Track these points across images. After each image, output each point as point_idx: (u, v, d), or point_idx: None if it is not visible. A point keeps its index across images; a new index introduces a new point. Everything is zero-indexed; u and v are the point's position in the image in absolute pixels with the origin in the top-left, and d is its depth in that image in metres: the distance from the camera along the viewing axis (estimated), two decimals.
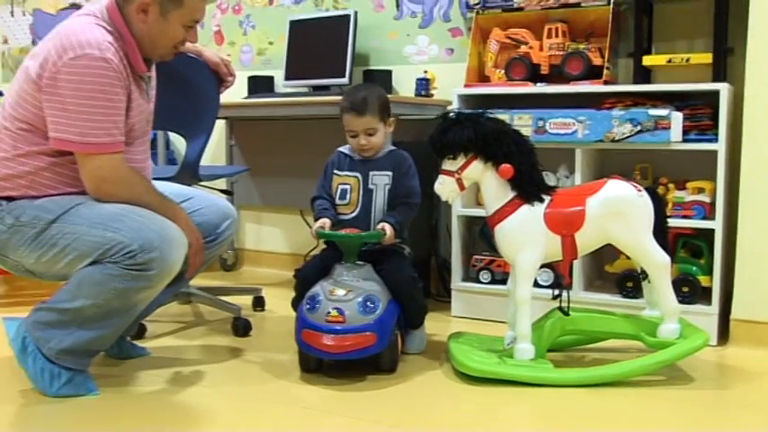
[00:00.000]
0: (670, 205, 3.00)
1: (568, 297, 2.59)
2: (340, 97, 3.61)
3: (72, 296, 2.30)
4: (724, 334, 2.97)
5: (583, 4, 3.28)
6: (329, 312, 2.46)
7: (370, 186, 2.78)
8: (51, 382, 2.34)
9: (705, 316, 2.91)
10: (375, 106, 2.71)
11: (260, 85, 4.23)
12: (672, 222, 2.92)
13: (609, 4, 3.22)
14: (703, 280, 2.97)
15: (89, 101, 2.27)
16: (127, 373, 2.62)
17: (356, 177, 2.80)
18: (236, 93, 4.05)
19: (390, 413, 2.26)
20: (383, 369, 2.57)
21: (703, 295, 2.96)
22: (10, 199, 2.37)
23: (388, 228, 2.64)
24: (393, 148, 2.88)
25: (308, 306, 2.54)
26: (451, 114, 2.61)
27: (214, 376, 2.58)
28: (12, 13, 5.44)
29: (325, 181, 2.86)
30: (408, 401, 2.37)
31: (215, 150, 4.50)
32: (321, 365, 2.57)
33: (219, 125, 4.38)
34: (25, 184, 2.37)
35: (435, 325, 3.19)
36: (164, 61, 2.55)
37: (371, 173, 2.78)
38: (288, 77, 4.15)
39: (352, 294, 2.51)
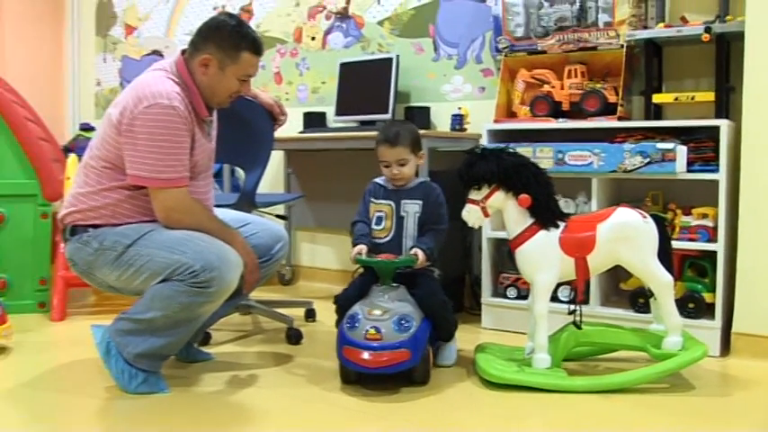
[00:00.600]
0: (677, 229, 3.02)
1: (581, 312, 2.64)
2: None
3: (146, 308, 2.44)
4: (726, 346, 2.98)
5: (599, 48, 3.32)
6: (368, 330, 2.47)
7: (402, 214, 2.78)
8: (130, 381, 2.49)
9: (709, 330, 2.93)
10: (407, 139, 2.73)
11: (314, 120, 4.29)
12: (679, 245, 2.97)
13: (622, 47, 3.26)
14: (708, 297, 2.98)
15: (159, 142, 2.42)
16: (193, 374, 2.72)
17: (390, 205, 2.80)
18: (292, 127, 4.17)
19: (419, 416, 2.32)
20: (416, 381, 2.57)
21: (708, 311, 2.97)
22: (95, 227, 2.54)
23: (420, 253, 2.65)
24: (424, 179, 2.89)
25: (348, 324, 2.55)
26: (477, 150, 2.67)
27: (267, 379, 2.67)
28: (104, 59, 5.62)
29: (363, 207, 2.87)
30: (435, 405, 2.42)
31: (274, 178, 4.60)
32: (360, 378, 2.57)
33: (278, 156, 4.50)
34: (108, 214, 2.53)
35: (467, 336, 3.26)
36: (228, 104, 2.68)
37: (403, 201, 2.78)
38: (338, 113, 4.20)
39: (388, 314, 2.51)
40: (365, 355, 2.45)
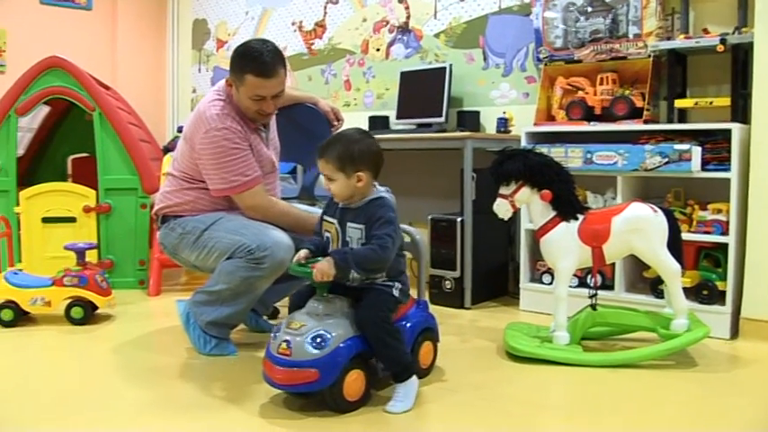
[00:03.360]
0: (694, 223, 3.09)
1: (596, 296, 2.76)
2: (440, 133, 3.88)
3: (215, 282, 2.70)
4: (735, 330, 3.03)
5: (629, 57, 3.40)
6: (280, 344, 2.14)
7: (347, 239, 2.29)
8: (205, 345, 2.77)
9: (720, 315, 2.99)
10: (333, 155, 2.25)
11: (378, 122, 4.40)
12: (695, 237, 3.05)
13: (649, 56, 3.33)
14: (721, 285, 3.03)
15: (224, 159, 2.69)
16: (260, 341, 2.94)
17: (335, 227, 2.32)
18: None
19: (449, 381, 2.47)
20: (329, 407, 2.15)
21: (720, 298, 3.02)
22: (180, 216, 2.83)
23: (323, 264, 2.15)
24: (376, 196, 2.32)
25: (272, 336, 2.23)
26: (506, 150, 2.78)
27: None
28: (199, 69, 5.88)
29: (318, 223, 2.45)
30: (461, 372, 2.56)
31: None
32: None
33: None
34: (189, 207, 2.82)
35: (506, 316, 3.43)
36: (263, 119, 2.83)
37: (348, 224, 2.29)
38: (399, 117, 4.28)
39: (304, 329, 2.14)
40: (274, 369, 2.15)
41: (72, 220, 3.99)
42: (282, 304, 3.33)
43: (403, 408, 2.17)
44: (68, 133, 4.90)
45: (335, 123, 3.28)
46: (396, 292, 2.31)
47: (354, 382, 2.16)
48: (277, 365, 2.13)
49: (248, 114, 2.78)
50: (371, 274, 2.27)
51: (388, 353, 2.19)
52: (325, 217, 2.39)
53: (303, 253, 2.29)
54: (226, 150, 2.69)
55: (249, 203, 2.77)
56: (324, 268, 2.13)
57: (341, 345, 2.13)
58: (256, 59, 2.66)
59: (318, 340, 2.11)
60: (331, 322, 2.16)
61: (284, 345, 2.13)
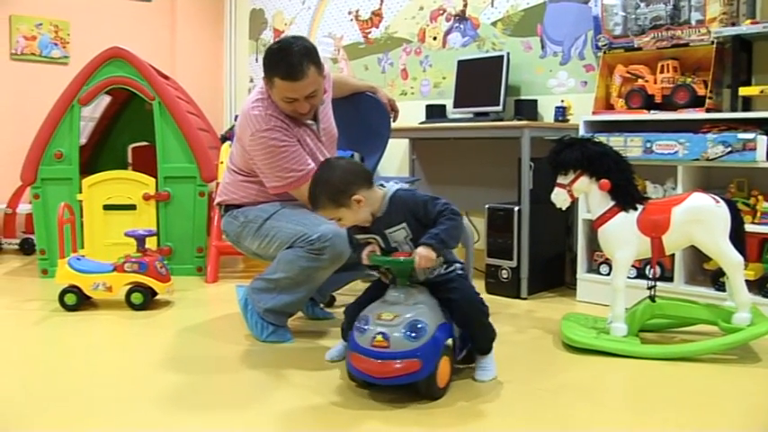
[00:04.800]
0: (758, 214, 3.02)
1: (654, 287, 2.72)
2: (497, 122, 3.86)
3: (274, 270, 2.75)
4: None
5: (691, 44, 3.33)
6: (375, 337, 2.10)
7: (393, 245, 2.27)
8: (262, 331, 2.81)
9: None
10: (324, 199, 2.22)
11: (435, 111, 4.39)
12: (759, 229, 2.98)
13: (713, 43, 3.26)
14: None
15: (275, 159, 2.72)
16: (315, 329, 3.02)
17: (375, 239, 2.29)
18: (416, 117, 4.40)
19: (505, 371, 2.44)
20: (422, 395, 2.16)
21: None
22: (240, 206, 2.88)
23: (422, 251, 2.13)
24: (391, 194, 2.27)
25: (357, 328, 2.19)
26: (564, 139, 2.76)
27: None
28: (256, 59, 5.95)
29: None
30: (518, 362, 2.56)
31: (401, 163, 4.80)
32: (368, 384, 2.22)
33: (404, 144, 4.69)
34: (249, 200, 2.87)
35: (563, 307, 3.40)
36: (302, 118, 2.79)
37: (386, 231, 2.27)
38: (456, 105, 4.28)
39: (398, 319, 2.11)
40: (371, 363, 2.10)
41: (132, 207, 4.10)
42: (339, 293, 3.38)
43: (491, 376, 2.35)
44: (129, 122, 5.04)
45: (390, 114, 3.29)
46: (461, 272, 2.35)
47: (444, 368, 2.18)
48: (374, 359, 2.09)
49: (286, 112, 2.77)
50: (456, 244, 2.26)
51: (483, 331, 2.32)
52: (358, 236, 2.34)
53: (372, 247, 2.28)
54: (275, 150, 2.71)
55: (308, 196, 2.77)
56: (425, 254, 2.12)
57: (436, 332, 2.14)
58: (282, 62, 2.64)
59: (416, 329, 2.09)
60: (421, 310, 2.16)
61: (380, 337, 2.09)
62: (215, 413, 2.11)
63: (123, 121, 5.07)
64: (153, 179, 4.14)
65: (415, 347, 2.07)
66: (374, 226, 2.28)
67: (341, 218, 2.24)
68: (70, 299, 3.34)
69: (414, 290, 2.23)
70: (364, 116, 3.29)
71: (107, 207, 4.08)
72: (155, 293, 3.43)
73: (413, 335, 2.09)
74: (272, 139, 2.70)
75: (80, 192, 4.10)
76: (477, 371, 2.35)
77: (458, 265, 2.37)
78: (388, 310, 2.16)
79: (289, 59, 2.63)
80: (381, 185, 2.32)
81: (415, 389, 2.15)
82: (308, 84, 2.67)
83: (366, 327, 2.15)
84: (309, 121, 2.87)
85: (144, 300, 3.35)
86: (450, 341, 2.23)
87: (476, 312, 2.29)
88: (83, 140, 4.53)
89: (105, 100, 4.80)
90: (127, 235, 3.47)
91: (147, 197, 4.09)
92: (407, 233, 2.25)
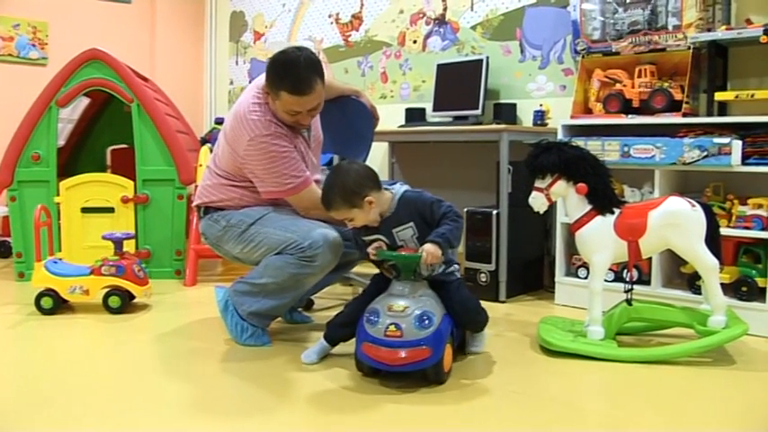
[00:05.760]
0: (734, 218, 3.04)
1: (631, 290, 2.73)
2: (476, 126, 3.86)
3: (260, 275, 2.72)
4: None
5: (668, 49, 3.35)
6: (388, 327, 2.25)
7: (399, 243, 2.46)
8: (241, 334, 2.79)
9: (760, 312, 2.94)
10: (338, 199, 2.40)
11: (414, 114, 4.37)
12: (735, 232, 3.00)
13: (689, 48, 3.28)
14: (760, 281, 2.98)
15: (273, 165, 2.68)
16: (293, 332, 3.00)
17: (381, 239, 2.47)
18: (395, 121, 4.39)
19: (483, 375, 2.47)
20: (430, 380, 2.33)
21: (760, 294, 2.97)
22: (222, 209, 2.85)
23: (429, 248, 2.31)
24: (399, 195, 2.47)
25: (367, 320, 2.33)
26: (542, 143, 2.76)
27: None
28: (236, 61, 5.93)
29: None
30: (495, 366, 2.56)
31: (381, 166, 4.74)
32: (374, 371, 2.37)
33: (383, 146, 4.69)
34: (232, 204, 2.83)
35: (541, 310, 3.41)
36: (300, 128, 2.79)
37: (394, 231, 2.46)
38: (435, 109, 4.27)
39: (408, 310, 2.28)
40: (384, 352, 2.25)
41: (110, 210, 4.06)
42: (318, 296, 3.37)
43: (482, 348, 2.68)
44: (108, 124, 5.00)
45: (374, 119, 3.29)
46: (456, 272, 2.59)
47: (448, 354, 2.36)
48: (388, 348, 2.25)
49: (285, 122, 2.73)
50: (458, 245, 2.46)
51: (479, 319, 2.59)
52: (365, 238, 2.50)
53: (379, 243, 2.45)
54: (276, 156, 2.67)
55: (305, 204, 2.75)
56: (431, 250, 2.30)
57: (442, 321, 2.32)
58: (291, 76, 2.59)
59: (424, 320, 2.27)
60: (427, 302, 2.34)
61: (393, 327, 2.26)
62: (195, 416, 2.09)
63: (102, 123, 5.03)
64: (131, 182, 4.11)
65: (426, 336, 2.26)
66: (382, 226, 2.45)
67: (353, 218, 2.42)
68: (47, 302, 3.31)
69: (417, 284, 2.39)
70: (349, 120, 3.28)
71: (85, 210, 4.04)
72: (132, 297, 3.40)
73: (423, 324, 2.27)
74: (273, 145, 2.66)
75: (58, 194, 4.06)
76: (469, 346, 2.66)
77: (456, 266, 2.58)
78: (397, 303, 2.32)
79: (297, 73, 2.59)
80: (387, 188, 2.48)
81: (422, 375, 2.31)
82: (313, 98, 2.65)
83: (377, 319, 2.30)
84: (302, 129, 2.85)
85: (121, 303, 3.33)
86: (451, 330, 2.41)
87: (472, 313, 2.54)
88: (61, 142, 4.48)
89: (84, 102, 4.76)
90: (104, 238, 3.44)
91: (125, 200, 4.06)
92: (414, 231, 2.44)
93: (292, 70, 2.60)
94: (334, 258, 2.68)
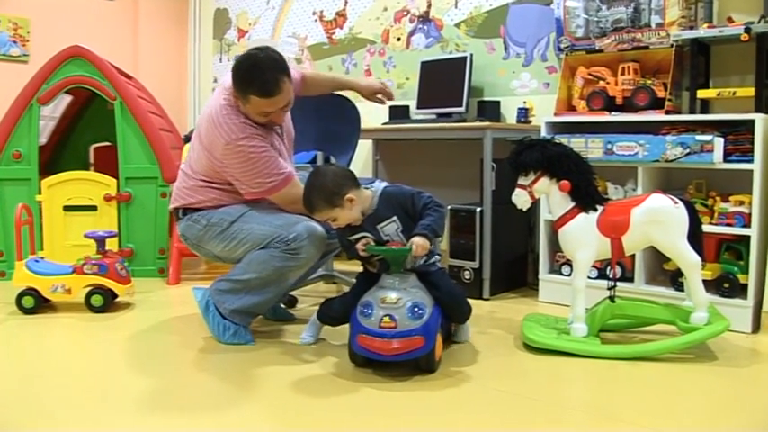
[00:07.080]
0: (716, 215, 3.05)
1: (614, 287, 2.73)
2: (460, 123, 3.85)
3: (243, 271, 2.71)
4: (757, 324, 2.98)
5: (651, 47, 3.35)
6: (382, 318, 2.31)
7: (385, 238, 2.52)
8: (223, 333, 2.77)
9: (742, 308, 2.95)
10: (320, 201, 2.46)
11: (398, 112, 4.36)
12: (717, 229, 3.01)
13: (672, 46, 3.28)
14: (742, 278, 2.98)
15: (254, 165, 2.67)
16: (276, 330, 2.99)
17: (367, 236, 2.53)
18: (379, 118, 4.36)
19: (463, 367, 2.48)
20: (422, 369, 2.40)
21: (742, 291, 2.98)
22: (200, 209, 2.82)
23: (417, 240, 2.38)
24: (380, 192, 2.55)
25: (361, 312, 2.38)
26: (525, 140, 2.76)
27: (336, 336, 2.79)
28: (220, 59, 5.91)
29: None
30: (480, 365, 2.55)
31: (364, 164, 4.75)
32: (368, 362, 2.44)
33: (367, 144, 4.66)
34: (211, 204, 2.81)
35: (525, 308, 3.41)
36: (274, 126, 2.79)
37: (378, 226, 2.53)
38: (419, 106, 4.25)
39: (401, 302, 2.34)
40: (379, 342, 2.31)
41: (93, 208, 4.03)
42: (300, 293, 3.35)
43: (468, 337, 2.81)
44: (90, 122, 4.95)
45: (385, 101, 3.28)
46: (439, 263, 2.66)
47: (439, 344, 2.44)
48: (384, 338, 2.30)
49: (258, 122, 2.72)
50: (443, 233, 2.54)
51: (464, 310, 2.63)
52: (351, 237, 2.54)
53: (366, 239, 2.49)
54: (255, 158, 2.66)
55: (289, 199, 2.74)
56: (421, 243, 2.37)
57: (433, 312, 2.39)
58: (257, 79, 2.59)
59: (417, 310, 2.34)
60: (417, 293, 2.40)
61: (387, 318, 2.31)
62: (179, 415, 2.07)
63: (85, 120, 4.97)
64: (114, 180, 4.07)
65: (419, 326, 2.32)
66: (365, 223, 2.51)
67: (336, 218, 2.47)
68: (28, 301, 3.27)
69: (407, 276, 2.44)
70: (331, 117, 3.27)
71: (67, 208, 4.01)
72: (115, 296, 3.37)
73: (416, 315, 2.33)
74: (250, 147, 2.65)
75: (39, 192, 4.02)
76: (455, 335, 2.77)
77: (437, 256, 2.64)
78: (389, 295, 2.37)
79: (262, 76, 2.59)
80: (366, 187, 2.53)
81: (414, 364, 2.39)
82: (282, 98, 2.66)
83: (371, 311, 2.35)
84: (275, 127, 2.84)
85: (104, 302, 3.29)
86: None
87: (457, 303, 2.58)
88: (43, 140, 4.44)
89: (66, 99, 4.71)
90: (87, 236, 3.41)
91: (108, 198, 4.02)
92: (398, 225, 2.50)
93: (257, 74, 2.59)
94: (318, 251, 2.70)
